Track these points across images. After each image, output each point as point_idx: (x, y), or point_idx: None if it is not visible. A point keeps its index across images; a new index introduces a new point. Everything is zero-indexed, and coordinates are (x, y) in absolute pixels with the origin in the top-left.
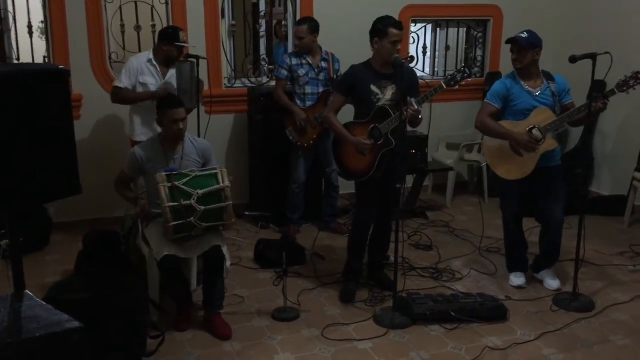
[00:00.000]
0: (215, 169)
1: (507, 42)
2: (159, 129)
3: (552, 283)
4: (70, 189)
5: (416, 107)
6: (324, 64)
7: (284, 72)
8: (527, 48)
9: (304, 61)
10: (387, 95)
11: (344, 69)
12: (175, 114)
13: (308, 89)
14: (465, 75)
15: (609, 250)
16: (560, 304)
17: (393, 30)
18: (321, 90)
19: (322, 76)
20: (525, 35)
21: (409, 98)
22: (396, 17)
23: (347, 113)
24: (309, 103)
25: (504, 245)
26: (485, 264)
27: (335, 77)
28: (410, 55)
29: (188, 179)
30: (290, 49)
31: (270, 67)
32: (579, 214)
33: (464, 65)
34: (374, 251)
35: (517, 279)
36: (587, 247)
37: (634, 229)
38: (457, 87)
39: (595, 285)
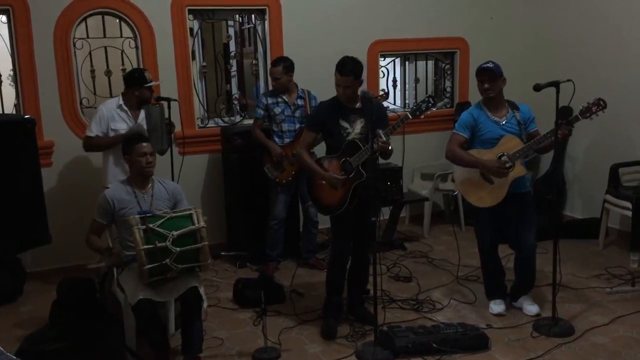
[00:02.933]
0: (189, 209)
1: (479, 72)
2: None
3: (531, 308)
4: (39, 239)
5: (384, 138)
6: (300, 102)
7: (260, 112)
8: (497, 77)
9: (279, 99)
10: (356, 129)
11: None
12: (142, 147)
13: (285, 127)
14: (430, 104)
15: (585, 273)
16: (540, 329)
17: (336, 74)
18: (298, 127)
19: (298, 113)
20: (492, 65)
21: (377, 130)
22: (365, 53)
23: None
24: (286, 140)
25: (482, 273)
26: (465, 293)
27: None
28: (384, 91)
29: (162, 220)
30: (262, 87)
31: (243, 102)
32: (554, 239)
33: (428, 95)
34: (353, 285)
35: (496, 307)
36: (563, 271)
37: (609, 251)
38: (423, 116)
39: (573, 309)
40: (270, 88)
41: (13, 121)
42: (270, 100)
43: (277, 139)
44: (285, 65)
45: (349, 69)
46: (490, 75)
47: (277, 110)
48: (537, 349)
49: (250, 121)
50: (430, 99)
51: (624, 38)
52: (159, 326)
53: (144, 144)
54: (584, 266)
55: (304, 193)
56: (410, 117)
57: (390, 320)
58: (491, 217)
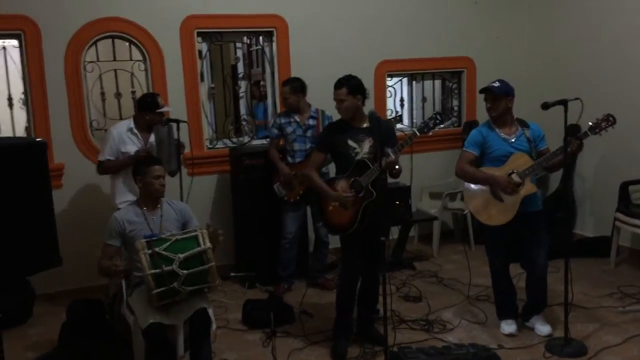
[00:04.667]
0: (195, 231)
1: (481, 91)
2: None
3: (543, 329)
4: (49, 261)
5: (393, 157)
6: (311, 122)
7: (275, 131)
8: (500, 96)
9: (291, 119)
10: (364, 148)
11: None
12: (156, 170)
13: (296, 146)
14: (437, 121)
15: (597, 292)
16: (552, 350)
17: (333, 91)
18: (309, 146)
19: (309, 133)
20: (497, 84)
21: (385, 148)
22: (372, 73)
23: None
24: (297, 159)
25: (493, 293)
26: (476, 313)
27: None
28: (398, 114)
29: (168, 243)
30: (270, 107)
31: (249, 126)
32: (564, 258)
33: (435, 112)
34: (363, 305)
35: (508, 327)
36: (575, 290)
37: (621, 270)
38: (431, 133)
39: (586, 329)
40: (279, 107)
41: (25, 144)
42: (283, 120)
43: (289, 158)
44: (293, 86)
45: (341, 82)
46: (492, 95)
47: (289, 129)
48: None
49: (259, 142)
50: (438, 116)
51: (631, 56)
52: (168, 349)
53: (157, 166)
54: (596, 285)
55: (314, 212)
56: (418, 134)
57: (400, 341)
58: (502, 236)
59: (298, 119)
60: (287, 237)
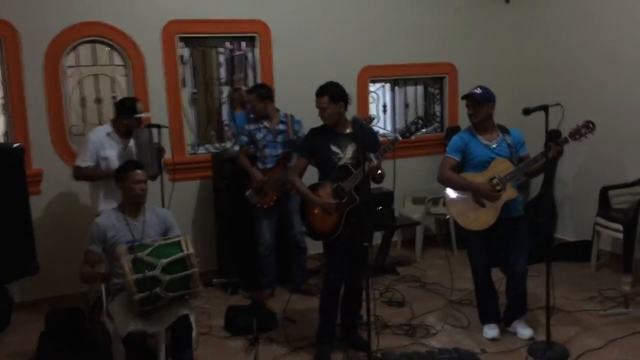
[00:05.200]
0: (177, 236)
1: (463, 98)
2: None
3: (525, 332)
4: (26, 269)
5: (375, 161)
6: (281, 127)
7: (244, 138)
8: (482, 102)
9: (261, 125)
10: (347, 153)
11: (304, 130)
12: (137, 175)
13: (267, 152)
14: (419, 125)
15: (578, 296)
16: (535, 353)
17: (315, 99)
18: (280, 151)
19: (280, 138)
20: (479, 90)
21: (368, 153)
22: (355, 78)
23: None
24: (269, 165)
25: (475, 297)
26: (458, 317)
27: (295, 137)
28: (371, 116)
29: (151, 249)
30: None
31: (231, 132)
32: (546, 262)
33: (417, 116)
34: (346, 311)
35: (490, 331)
36: (556, 294)
37: (601, 274)
38: (413, 137)
39: (567, 332)
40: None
41: (2, 150)
42: (252, 127)
43: (260, 164)
44: (260, 93)
45: (322, 90)
46: (474, 101)
47: (259, 136)
48: None
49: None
50: (420, 121)
51: (612, 62)
52: (149, 356)
53: (139, 171)
54: (577, 289)
55: (289, 219)
56: (400, 138)
57: (384, 346)
58: (484, 240)
59: (268, 125)
60: (264, 244)
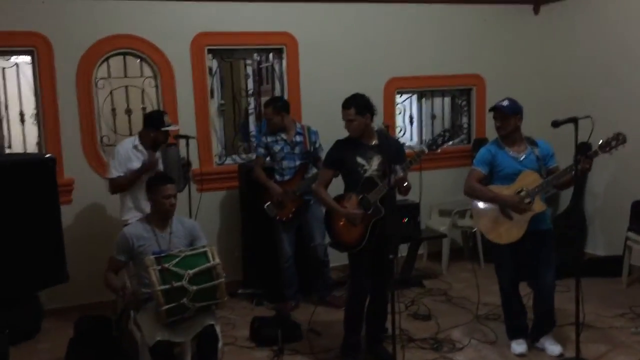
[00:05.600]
0: (204, 247)
1: (490, 110)
2: (146, 209)
3: (554, 349)
4: (56, 277)
5: (401, 174)
6: (298, 138)
7: (261, 150)
8: (509, 115)
9: (278, 138)
10: (373, 165)
11: (331, 141)
12: (167, 189)
13: (285, 164)
14: (446, 138)
15: (609, 312)
16: None
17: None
18: (298, 163)
19: (297, 150)
20: (506, 103)
21: (394, 166)
22: (381, 90)
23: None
24: (286, 177)
25: (503, 312)
26: (485, 332)
27: (312, 149)
28: (386, 125)
29: (178, 259)
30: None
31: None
32: (575, 277)
33: (444, 129)
34: (371, 324)
35: (518, 347)
36: (586, 310)
37: (633, 289)
38: (439, 150)
39: (597, 349)
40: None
41: (34, 160)
42: (269, 139)
43: (277, 176)
44: (275, 106)
45: (349, 102)
46: (501, 114)
47: (277, 148)
48: None
49: (267, 159)
50: (446, 133)
51: None
52: None
53: (169, 185)
54: (608, 305)
55: (307, 230)
56: (427, 150)
57: None
58: (511, 254)
59: (285, 137)
60: (285, 256)
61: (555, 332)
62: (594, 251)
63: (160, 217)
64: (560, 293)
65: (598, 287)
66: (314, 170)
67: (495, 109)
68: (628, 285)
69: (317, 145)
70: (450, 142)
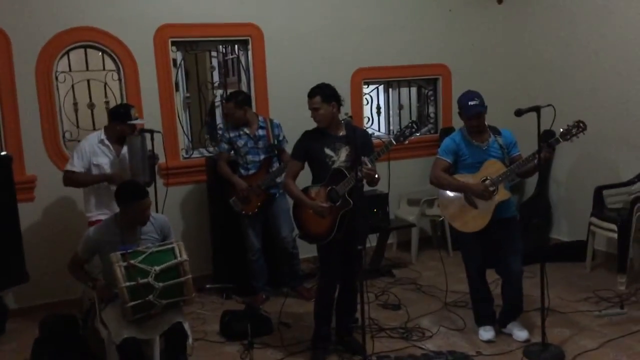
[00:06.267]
0: (171, 243)
1: (472, 117)
2: (116, 208)
3: (521, 334)
4: (16, 278)
5: (369, 165)
6: (261, 132)
7: (225, 146)
8: (485, 112)
9: (241, 132)
10: (341, 156)
11: (299, 134)
12: (144, 204)
13: (249, 158)
14: (414, 129)
15: (573, 297)
16: (530, 355)
17: (307, 101)
18: (262, 157)
19: (261, 144)
20: (477, 101)
21: (362, 157)
22: (348, 81)
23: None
24: (251, 171)
25: (471, 299)
26: (454, 320)
27: (275, 142)
28: (348, 115)
29: (144, 256)
30: None
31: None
32: (540, 263)
33: (412, 120)
34: (341, 315)
35: (486, 333)
36: (551, 295)
37: (596, 274)
38: (407, 142)
39: (563, 334)
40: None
41: None
42: (232, 134)
43: (242, 171)
44: (237, 100)
45: (314, 90)
46: (479, 115)
47: (240, 143)
48: None
49: None
50: (414, 124)
51: (603, 63)
52: None
53: (146, 199)
54: (572, 289)
55: (273, 224)
56: (395, 142)
57: (379, 350)
58: (478, 242)
59: (248, 131)
60: (252, 249)
61: (522, 318)
62: (559, 237)
63: (131, 225)
64: (526, 279)
65: (562, 272)
66: (278, 164)
67: (475, 113)
68: (592, 270)
69: (280, 138)
70: (418, 134)
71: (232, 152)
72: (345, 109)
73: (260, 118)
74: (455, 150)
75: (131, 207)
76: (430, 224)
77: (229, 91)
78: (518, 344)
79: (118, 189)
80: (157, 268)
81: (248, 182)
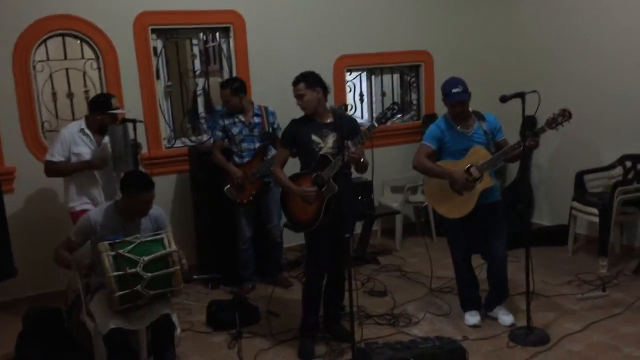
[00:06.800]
0: (160, 233)
1: (455, 104)
2: (97, 196)
3: (506, 319)
4: (3, 273)
5: (352, 148)
6: (256, 120)
7: (219, 133)
8: (469, 99)
9: (236, 120)
10: (328, 143)
11: (283, 120)
12: (150, 196)
13: (244, 146)
14: (395, 110)
15: (556, 280)
16: (516, 339)
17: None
18: (257, 145)
19: (256, 131)
20: (460, 88)
21: (346, 141)
22: (331, 68)
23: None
24: (246, 159)
25: (456, 285)
26: (439, 305)
27: (270, 130)
28: (343, 104)
29: (132, 245)
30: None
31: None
32: (525, 247)
33: (393, 102)
34: (329, 303)
35: (472, 318)
36: (535, 279)
37: (578, 257)
38: (389, 123)
39: (547, 317)
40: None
41: None
42: (227, 122)
43: (236, 159)
44: (233, 87)
45: (298, 78)
46: (463, 102)
47: (235, 130)
48: (514, 359)
49: None
50: (395, 106)
51: (585, 49)
52: (131, 355)
53: (152, 191)
54: (555, 273)
55: (265, 212)
56: (377, 125)
57: (367, 337)
58: (462, 228)
59: (243, 119)
60: (243, 238)
61: (507, 302)
62: (541, 221)
63: (133, 214)
64: (510, 263)
65: (545, 256)
66: (273, 152)
67: (458, 101)
68: (573, 253)
69: (275, 125)
70: (399, 115)
71: (226, 139)
72: (330, 97)
73: (256, 106)
74: (439, 136)
75: (136, 198)
76: (414, 210)
77: (211, 79)
78: (504, 329)
79: (125, 177)
80: (146, 258)
81: (242, 170)
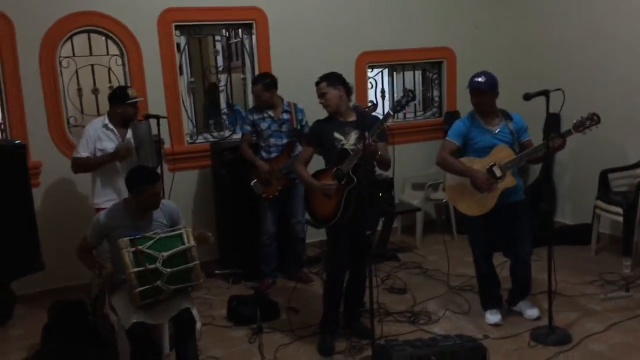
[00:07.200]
0: (179, 229)
1: (471, 91)
2: (122, 188)
3: (531, 312)
4: (32, 266)
5: (369, 139)
6: (285, 116)
7: (247, 128)
8: (486, 91)
9: (265, 115)
10: (350, 140)
11: (307, 118)
12: (156, 188)
13: (272, 141)
14: (410, 97)
15: (579, 280)
16: (537, 338)
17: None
18: (285, 141)
19: (284, 128)
20: (482, 78)
21: (365, 132)
22: (352, 64)
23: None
24: (273, 154)
25: (477, 283)
26: (460, 303)
27: (298, 126)
28: (372, 103)
29: (152, 241)
30: (251, 103)
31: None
32: (547, 247)
33: (408, 89)
34: (350, 299)
35: (492, 317)
36: (557, 278)
37: (601, 257)
38: (404, 110)
39: (569, 317)
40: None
41: (4, 147)
42: (256, 116)
43: (264, 154)
44: (264, 82)
45: (320, 78)
46: (478, 91)
47: (264, 125)
48: (536, 359)
49: (239, 136)
50: (410, 93)
51: (612, 46)
52: (153, 348)
53: (158, 182)
54: (577, 273)
55: (290, 207)
56: (392, 113)
57: (386, 334)
58: (482, 225)
59: (272, 114)
60: (267, 233)
61: (529, 300)
62: (563, 220)
63: (142, 210)
64: (532, 262)
65: (568, 256)
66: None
67: (474, 88)
68: (597, 253)
69: (303, 123)
70: (414, 101)
71: (254, 134)
72: (352, 98)
73: (285, 102)
74: (465, 133)
75: (144, 192)
76: (434, 207)
77: (233, 76)
78: (525, 327)
79: (128, 175)
80: (165, 254)
81: (270, 166)
